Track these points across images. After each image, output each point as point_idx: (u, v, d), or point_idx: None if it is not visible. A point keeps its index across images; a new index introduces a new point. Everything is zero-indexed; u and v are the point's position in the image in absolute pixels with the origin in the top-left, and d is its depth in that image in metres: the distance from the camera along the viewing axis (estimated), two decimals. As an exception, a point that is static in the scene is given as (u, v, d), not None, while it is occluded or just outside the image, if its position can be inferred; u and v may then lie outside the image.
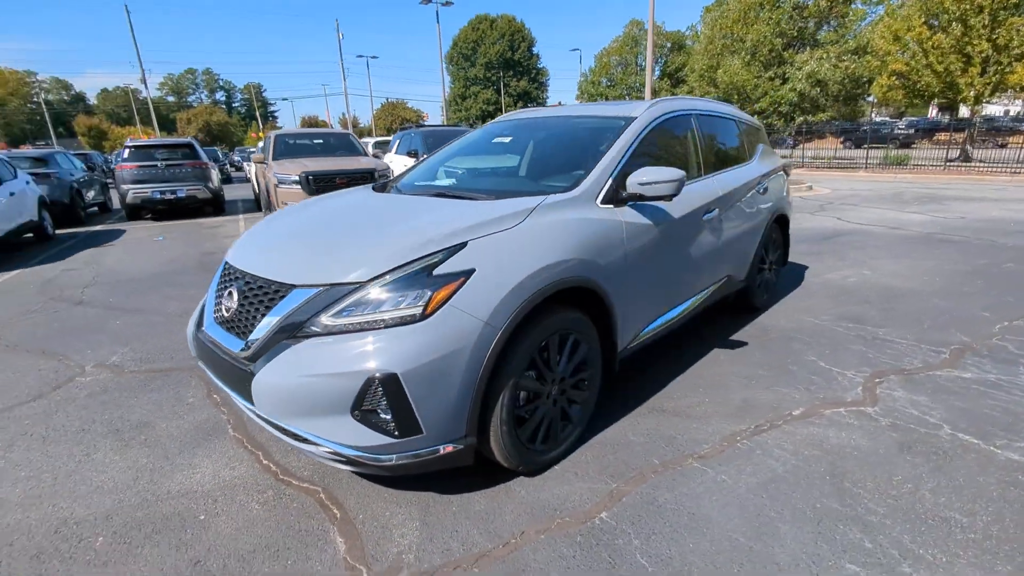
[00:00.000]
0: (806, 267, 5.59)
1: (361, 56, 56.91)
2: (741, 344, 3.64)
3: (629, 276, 2.56)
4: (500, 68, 49.07)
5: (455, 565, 1.83)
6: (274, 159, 9.00)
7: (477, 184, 3.33)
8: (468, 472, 2.22)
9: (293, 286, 1.96)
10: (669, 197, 2.59)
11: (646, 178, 2.52)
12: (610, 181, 2.58)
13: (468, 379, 1.89)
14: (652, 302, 2.84)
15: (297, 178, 7.97)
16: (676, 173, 2.53)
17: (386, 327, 1.82)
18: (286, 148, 9.43)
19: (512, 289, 1.96)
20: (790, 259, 5.73)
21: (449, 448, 1.95)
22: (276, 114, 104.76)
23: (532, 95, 51.61)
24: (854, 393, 2.92)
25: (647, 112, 3.02)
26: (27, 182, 9.49)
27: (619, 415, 2.77)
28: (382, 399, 1.78)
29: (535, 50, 51.55)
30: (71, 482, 2.35)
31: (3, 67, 76.00)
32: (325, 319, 1.85)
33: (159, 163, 11.47)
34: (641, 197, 2.56)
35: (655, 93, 34.94)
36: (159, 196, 11.25)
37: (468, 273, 1.92)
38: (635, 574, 1.77)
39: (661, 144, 3.23)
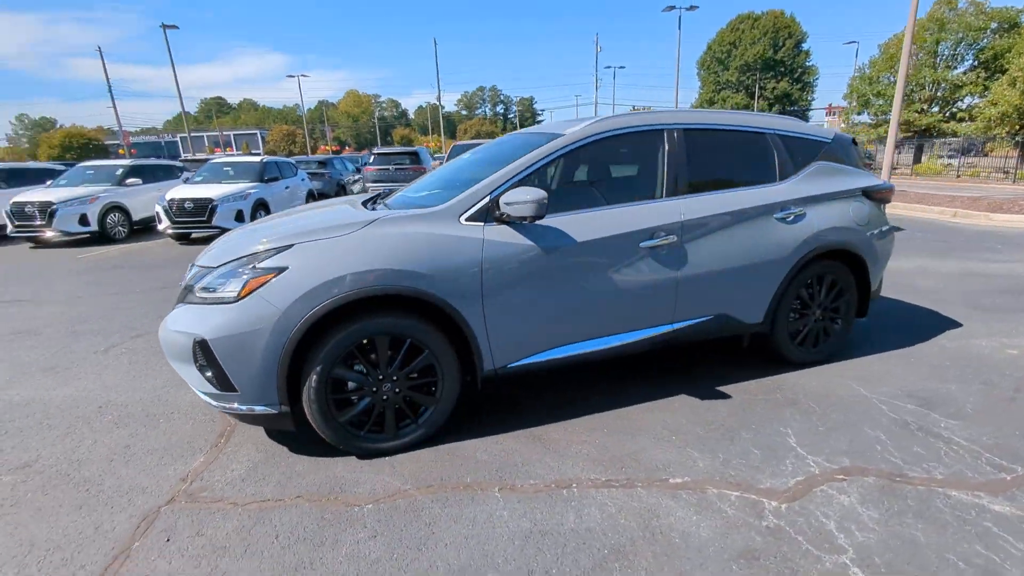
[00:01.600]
0: (956, 325, 4.11)
1: (609, 67, 58.27)
2: (718, 396, 3.07)
3: (496, 296, 2.55)
4: (757, 70, 44.68)
5: (230, 500, 2.27)
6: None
7: (409, 200, 3.18)
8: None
9: (194, 264, 2.65)
10: (531, 218, 2.49)
11: (510, 198, 2.49)
12: (486, 199, 2.60)
13: (270, 356, 2.29)
14: (543, 328, 2.72)
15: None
16: (536, 194, 2.44)
17: (214, 303, 2.35)
18: (454, 156, 10.77)
19: (314, 287, 2.28)
20: (939, 311, 4.37)
21: (264, 410, 2.38)
22: (540, 123, 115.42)
23: (793, 98, 45.62)
24: (780, 482, 2.29)
25: (579, 131, 2.87)
26: (302, 179, 12.98)
27: (494, 432, 2.76)
28: (202, 357, 2.33)
29: (805, 46, 45.36)
30: (136, 381, 3.53)
31: (360, 91, 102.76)
32: (196, 290, 2.47)
33: (391, 166, 14.28)
34: (510, 217, 2.52)
35: (956, 89, 27.47)
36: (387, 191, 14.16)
37: (281, 270, 2.31)
38: (330, 565, 1.93)
39: (596, 163, 3.01)
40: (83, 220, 10.03)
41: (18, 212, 9.87)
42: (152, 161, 13.19)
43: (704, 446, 2.58)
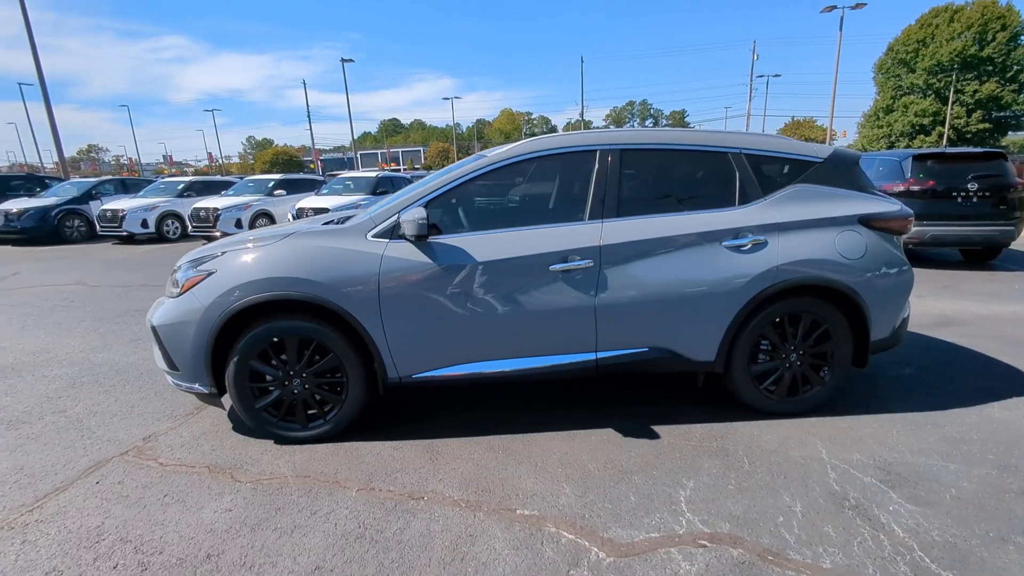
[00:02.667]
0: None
1: (762, 76, 53.40)
2: (646, 435, 2.83)
3: (394, 308, 2.69)
4: (954, 70, 37.68)
5: (159, 460, 2.72)
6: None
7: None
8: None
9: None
10: (416, 237, 2.60)
11: (404, 217, 2.63)
12: (394, 218, 2.75)
13: (198, 344, 2.71)
14: (446, 343, 2.78)
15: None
16: (417, 214, 2.58)
17: (168, 296, 2.85)
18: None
19: (228, 289, 2.65)
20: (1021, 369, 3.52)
21: (199, 388, 2.82)
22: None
23: (1004, 101, 37.54)
24: (628, 534, 2.08)
25: (501, 152, 2.91)
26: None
27: (402, 438, 2.89)
28: (155, 339, 2.83)
29: (1025, 39, 37.12)
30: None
31: (513, 110, 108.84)
32: (167, 284, 3.01)
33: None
34: (406, 235, 2.66)
35: None
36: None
37: (210, 273, 2.73)
38: (182, 526, 2.25)
39: (519, 184, 2.96)
40: (238, 223, 12.19)
41: (195, 216, 12.37)
42: (297, 176, 15.52)
43: (583, 484, 2.43)
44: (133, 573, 1.95)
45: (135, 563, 2.00)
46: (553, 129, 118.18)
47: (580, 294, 2.77)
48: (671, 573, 1.88)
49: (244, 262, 2.74)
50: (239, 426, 3.06)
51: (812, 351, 2.99)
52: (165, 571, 1.95)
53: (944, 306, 5.30)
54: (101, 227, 12.96)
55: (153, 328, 2.81)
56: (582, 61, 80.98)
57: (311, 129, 48.64)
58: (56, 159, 22.49)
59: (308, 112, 50.56)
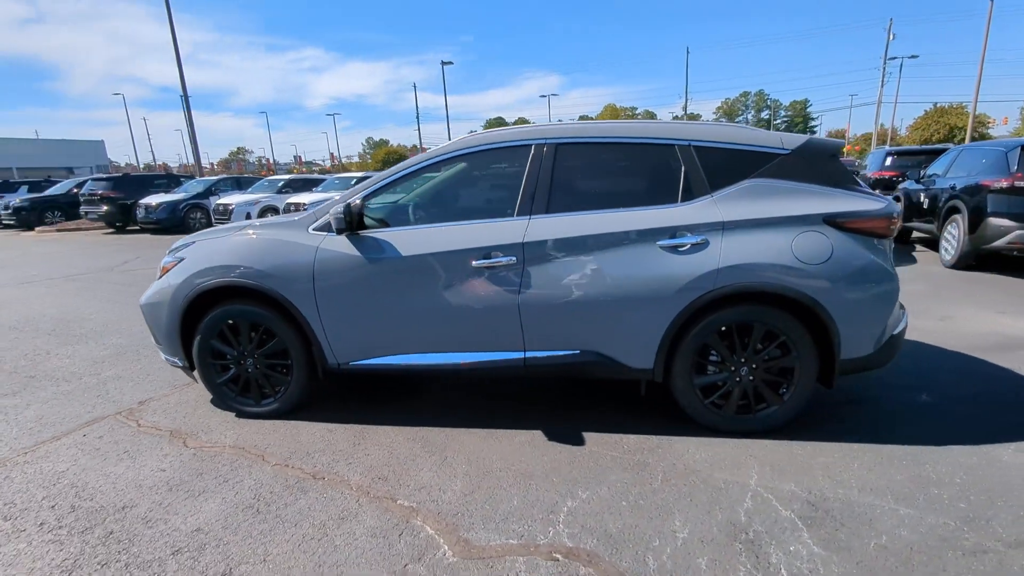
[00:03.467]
0: (1078, 437, 2.55)
1: (895, 58, 46.49)
2: (571, 441, 2.71)
3: (328, 298, 2.84)
4: None
5: (138, 422, 3.11)
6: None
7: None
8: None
9: None
10: (338, 231, 2.72)
11: (332, 212, 2.76)
12: (329, 213, 2.89)
13: (170, 322, 3.06)
14: (377, 334, 2.87)
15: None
16: (339, 209, 2.69)
17: (155, 278, 3.24)
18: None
19: (191, 274, 2.95)
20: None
21: (176, 362, 3.18)
22: (815, 128, 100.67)
23: None
24: (487, 537, 2.02)
25: (438, 149, 2.95)
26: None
27: (342, 421, 3.04)
28: (143, 316, 3.24)
29: None
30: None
31: (617, 105, 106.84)
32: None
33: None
34: (332, 228, 2.79)
35: None
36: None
37: (181, 259, 3.06)
38: (120, 477, 2.57)
39: (456, 180, 2.93)
40: (247, 217, 13.68)
41: (215, 210, 14.57)
42: (306, 176, 17.51)
43: (476, 482, 2.40)
44: (62, 512, 2.28)
45: (68, 505, 2.33)
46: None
47: (503, 291, 2.71)
48: (514, 574, 1.82)
49: (205, 251, 3.05)
50: (217, 399, 3.40)
51: (767, 366, 2.67)
52: (86, 515, 2.25)
53: (1022, 326, 4.40)
54: (215, 219, 14.86)
55: (141, 307, 3.22)
56: (687, 52, 77.13)
57: (419, 129, 52.48)
58: (211, 161, 26.09)
59: (417, 113, 53.88)
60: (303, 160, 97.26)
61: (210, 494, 2.38)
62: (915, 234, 8.72)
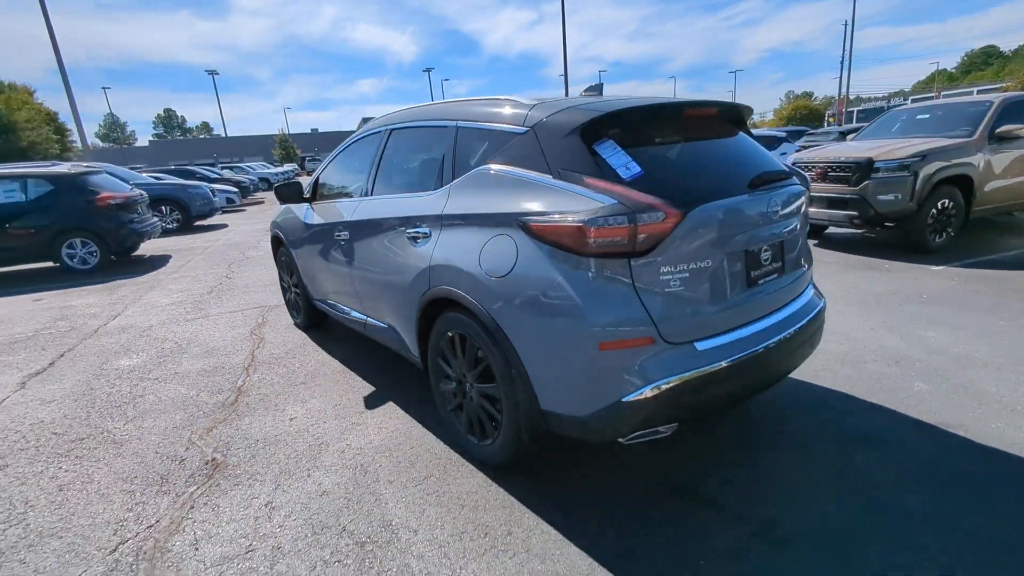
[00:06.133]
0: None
1: None
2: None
3: (301, 248, 4.10)
4: None
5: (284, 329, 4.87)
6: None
7: None
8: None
9: None
10: (301, 199, 3.96)
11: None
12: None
13: None
14: (319, 281, 3.93)
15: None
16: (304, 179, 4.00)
17: None
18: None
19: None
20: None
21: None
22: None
23: None
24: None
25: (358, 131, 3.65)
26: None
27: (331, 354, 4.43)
28: None
29: None
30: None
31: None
32: None
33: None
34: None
35: None
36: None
37: None
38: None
39: (356, 159, 3.54)
40: None
41: None
42: None
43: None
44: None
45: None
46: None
47: (344, 261, 3.36)
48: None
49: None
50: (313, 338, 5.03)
51: (480, 390, 2.37)
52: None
53: None
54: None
55: None
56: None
57: (841, 76, 40.89)
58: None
59: (845, 52, 38.97)
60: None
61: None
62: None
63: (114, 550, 2.13)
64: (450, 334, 2.45)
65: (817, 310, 2.50)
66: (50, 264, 8.27)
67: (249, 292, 6.31)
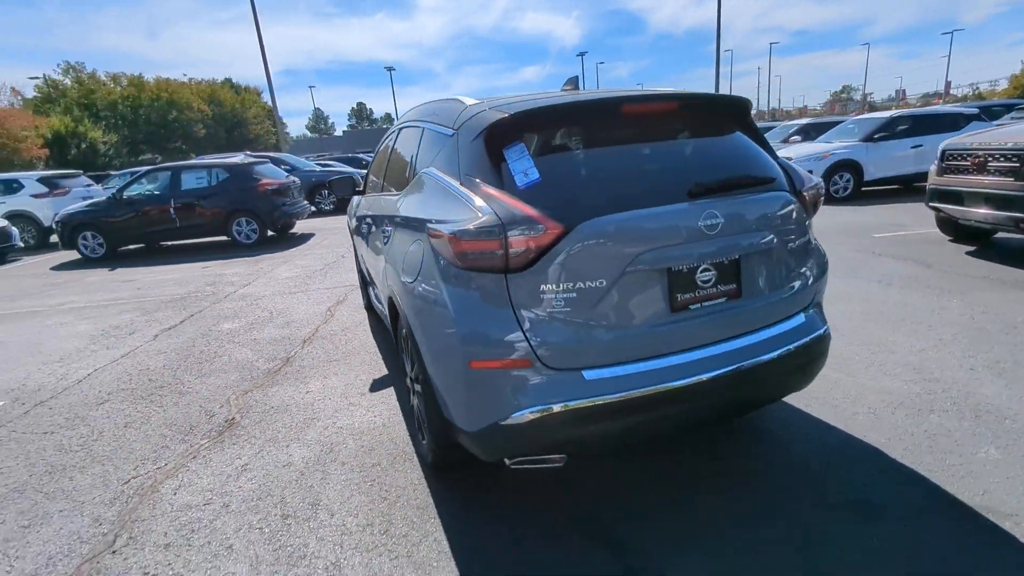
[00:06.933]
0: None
1: None
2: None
3: (355, 238, 4.53)
4: None
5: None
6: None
7: None
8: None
9: None
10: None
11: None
12: None
13: None
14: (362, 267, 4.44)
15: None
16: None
17: None
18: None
19: None
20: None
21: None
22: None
23: None
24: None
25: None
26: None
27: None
28: None
29: None
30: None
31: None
32: None
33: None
34: None
35: None
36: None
37: None
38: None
39: (380, 154, 3.86)
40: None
41: None
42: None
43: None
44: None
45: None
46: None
47: (364, 248, 3.83)
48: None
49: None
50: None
51: (417, 389, 2.45)
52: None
53: None
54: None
55: None
56: None
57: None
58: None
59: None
60: (905, 95, 78.14)
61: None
62: None
63: (127, 482, 2.66)
64: (404, 331, 2.51)
65: (809, 339, 2.06)
66: (223, 238, 10.16)
67: (352, 271, 7.07)
